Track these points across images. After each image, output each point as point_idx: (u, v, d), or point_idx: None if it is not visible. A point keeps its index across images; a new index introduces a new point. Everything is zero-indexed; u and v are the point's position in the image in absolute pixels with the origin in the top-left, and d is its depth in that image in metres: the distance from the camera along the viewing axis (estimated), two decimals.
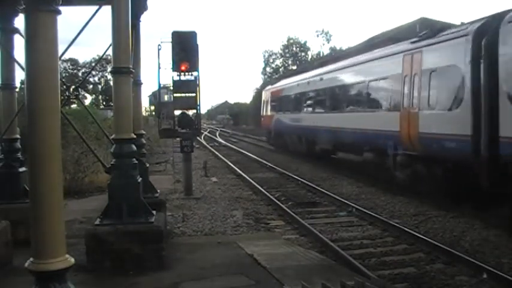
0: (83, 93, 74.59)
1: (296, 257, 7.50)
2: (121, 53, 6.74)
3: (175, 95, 13.60)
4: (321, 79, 21.07)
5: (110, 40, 6.79)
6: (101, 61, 62.32)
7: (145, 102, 51.48)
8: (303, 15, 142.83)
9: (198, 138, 30.46)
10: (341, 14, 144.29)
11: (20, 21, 8.05)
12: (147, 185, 8.41)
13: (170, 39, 12.81)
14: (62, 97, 7.00)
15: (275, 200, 12.85)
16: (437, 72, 11.65)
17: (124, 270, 6.39)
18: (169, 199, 12.60)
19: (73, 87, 8.22)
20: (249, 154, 26.32)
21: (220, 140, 41.28)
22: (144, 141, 10.14)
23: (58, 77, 3.64)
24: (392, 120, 13.47)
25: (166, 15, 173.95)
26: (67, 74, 71.30)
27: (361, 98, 16.49)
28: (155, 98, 30.78)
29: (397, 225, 9.83)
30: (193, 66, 13.04)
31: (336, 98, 19.36)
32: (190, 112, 14.14)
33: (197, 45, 12.96)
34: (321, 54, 68.24)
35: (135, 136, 7.14)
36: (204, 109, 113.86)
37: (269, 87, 35.16)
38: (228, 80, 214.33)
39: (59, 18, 3.53)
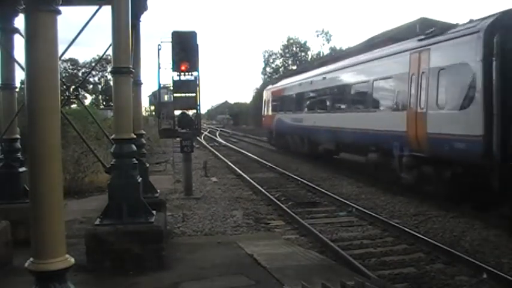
0: (83, 93, 74.61)
1: (296, 257, 7.50)
2: (121, 53, 6.74)
3: (175, 95, 13.60)
4: (324, 78, 20.73)
5: (110, 40, 6.79)
6: (101, 61, 62.33)
7: (145, 102, 51.56)
8: (303, 15, 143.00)
9: (198, 138, 30.46)
10: (341, 14, 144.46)
11: (20, 21, 8.07)
12: (147, 185, 8.41)
13: (170, 39, 12.81)
14: (62, 97, 7.00)
15: (275, 200, 12.85)
16: (447, 71, 11.30)
17: (124, 270, 6.39)
18: (169, 199, 12.60)
19: (73, 87, 8.22)
20: (249, 154, 26.32)
21: (220, 140, 41.27)
22: (144, 141, 10.14)
23: (58, 77, 3.64)
24: (398, 120, 13.16)
25: (166, 15, 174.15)
26: (67, 74, 71.31)
27: (365, 97, 16.17)
28: (155, 98, 30.78)
29: (397, 225, 9.83)
30: (193, 66, 13.04)
31: (339, 97, 19.04)
32: (190, 112, 14.14)
33: (197, 45, 12.96)
34: (321, 54, 68.25)
35: (135, 136, 7.14)
36: (204, 109, 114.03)
37: (270, 86, 34.76)
38: (228, 80, 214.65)
39: (59, 18, 3.53)
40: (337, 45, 71.26)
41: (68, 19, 6.35)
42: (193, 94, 13.37)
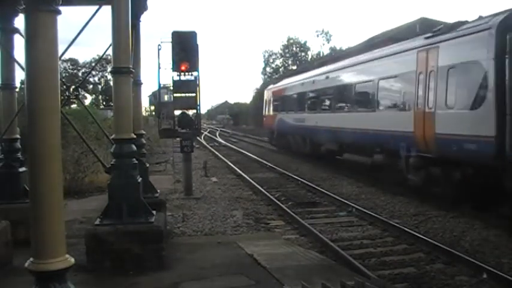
0: (83, 93, 74.59)
1: (296, 257, 7.50)
2: (121, 53, 6.74)
3: (175, 95, 13.60)
4: (327, 78, 20.36)
5: (110, 40, 6.79)
6: (101, 61, 62.34)
7: (145, 102, 51.49)
8: (303, 15, 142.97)
9: (198, 138, 30.44)
10: (341, 14, 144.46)
11: (20, 21, 8.07)
12: (147, 185, 8.41)
13: (170, 39, 12.81)
14: (62, 97, 7.00)
15: (275, 200, 12.85)
16: (456, 69, 10.92)
17: (124, 270, 6.39)
18: (169, 199, 12.60)
19: (73, 87, 8.22)
20: (249, 154, 26.32)
21: (220, 140, 41.28)
22: (144, 141, 10.14)
23: (58, 77, 3.64)
24: (405, 120, 12.83)
25: (166, 15, 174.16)
26: (67, 74, 71.29)
27: (370, 97, 15.79)
28: (155, 98, 30.75)
29: (397, 225, 9.83)
30: (193, 66, 13.04)
31: (342, 97, 18.62)
32: (190, 112, 14.14)
33: (197, 45, 12.96)
34: (321, 54, 68.25)
35: (135, 136, 7.14)
36: (204, 109, 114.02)
37: (271, 86, 34.39)
38: (228, 80, 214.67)
39: (59, 18, 3.53)
40: (337, 45, 71.41)
41: (68, 19, 6.35)
42: (193, 94, 13.37)
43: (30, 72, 3.48)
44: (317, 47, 74.07)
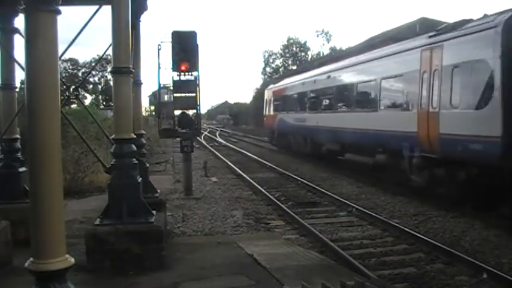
0: (83, 93, 74.59)
1: (296, 257, 7.50)
2: (121, 53, 6.74)
3: (175, 95, 13.60)
4: (328, 77, 20.16)
5: (110, 40, 6.79)
6: (101, 61, 62.30)
7: (145, 102, 51.51)
8: (303, 15, 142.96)
9: (198, 138, 30.43)
10: (341, 14, 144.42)
11: (20, 21, 8.06)
12: (147, 185, 8.41)
13: (170, 39, 12.81)
14: (62, 97, 7.00)
15: (275, 200, 12.86)
16: (461, 68, 10.71)
17: (124, 270, 6.39)
18: (169, 199, 12.60)
19: (73, 87, 8.21)
20: (249, 154, 26.32)
21: (220, 140, 41.28)
22: (144, 141, 10.14)
23: (58, 77, 3.64)
24: (408, 120, 12.63)
25: (166, 15, 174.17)
26: (67, 74, 71.29)
27: (372, 96, 15.62)
28: (155, 98, 30.74)
29: (397, 225, 9.83)
30: (193, 66, 13.04)
31: (344, 96, 18.47)
32: (190, 112, 14.14)
33: (197, 45, 12.96)
34: (321, 54, 68.26)
35: (135, 136, 7.14)
36: (204, 109, 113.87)
37: (272, 86, 34.16)
38: (228, 80, 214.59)
39: (59, 18, 3.53)
40: (337, 45, 71.37)
41: (68, 19, 6.36)
42: (193, 94, 13.37)
43: (30, 72, 3.48)
44: (317, 47, 74.19)
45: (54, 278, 3.45)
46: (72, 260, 3.56)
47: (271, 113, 30.53)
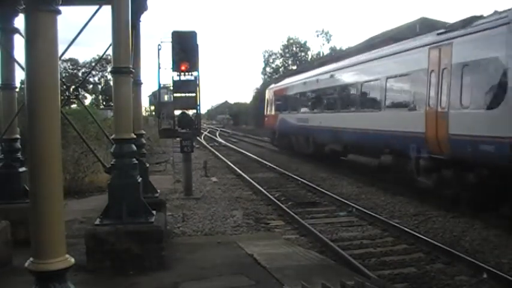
0: (83, 93, 74.58)
1: (296, 257, 7.50)
2: (121, 53, 6.73)
3: (175, 95, 13.60)
4: (332, 76, 19.82)
5: (110, 40, 6.79)
6: (101, 61, 62.28)
7: (145, 102, 51.56)
8: (303, 15, 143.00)
9: (198, 138, 30.42)
10: (341, 14, 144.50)
11: (20, 21, 8.06)
12: (147, 185, 8.41)
13: (170, 39, 12.81)
14: (62, 97, 7.00)
15: (275, 200, 12.85)
16: (472, 67, 10.36)
17: (124, 270, 6.39)
18: (169, 199, 12.60)
19: (73, 87, 8.21)
20: (249, 154, 26.32)
21: (220, 140, 41.29)
22: (144, 141, 10.14)
23: (58, 77, 3.64)
24: (415, 120, 12.30)
25: (166, 15, 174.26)
26: (67, 74, 71.28)
27: (378, 96, 15.19)
28: (155, 98, 30.73)
29: (397, 225, 9.83)
30: (193, 66, 13.04)
31: (348, 96, 18.09)
32: (190, 112, 14.14)
33: (197, 45, 12.96)
34: (321, 54, 68.27)
35: (135, 136, 7.14)
36: (204, 109, 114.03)
37: (273, 85, 33.69)
38: (228, 80, 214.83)
39: (59, 18, 3.53)
40: (337, 45, 71.39)
41: (68, 19, 6.36)
42: (193, 94, 13.37)
43: (30, 72, 3.48)
44: (317, 47, 74.17)
45: (54, 278, 3.45)
46: (72, 260, 3.56)
47: (273, 113, 30.18)
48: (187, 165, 14.06)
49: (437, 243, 8.45)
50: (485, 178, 10.17)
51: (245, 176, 17.48)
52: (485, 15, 11.03)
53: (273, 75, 68.19)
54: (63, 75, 58.10)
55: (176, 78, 13.20)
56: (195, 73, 13.20)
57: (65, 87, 7.98)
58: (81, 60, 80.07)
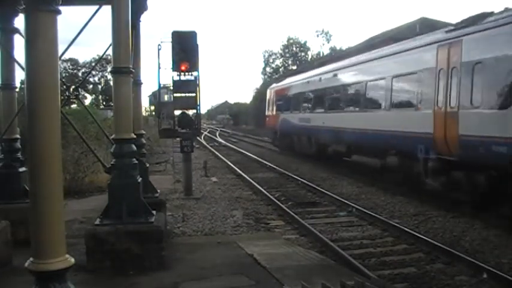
0: (83, 93, 74.58)
1: (296, 257, 7.50)
2: (121, 53, 6.73)
3: (175, 95, 13.60)
4: (335, 75, 19.42)
5: (110, 40, 6.79)
6: (101, 61, 62.28)
7: (145, 102, 51.56)
8: (303, 15, 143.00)
9: (198, 138, 30.40)
10: (341, 14, 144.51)
11: (20, 21, 8.06)
12: (147, 185, 8.41)
13: (170, 39, 12.81)
14: (62, 97, 7.00)
15: (275, 200, 12.85)
16: (483, 65, 9.99)
17: (124, 270, 6.39)
18: (169, 199, 12.60)
19: (73, 87, 8.21)
20: (249, 154, 26.32)
21: (220, 140, 41.29)
22: (144, 141, 10.14)
23: (58, 77, 3.64)
24: (423, 120, 11.97)
25: (166, 15, 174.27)
26: (67, 74, 71.27)
27: (383, 95, 14.80)
28: (155, 98, 30.72)
29: (397, 225, 9.83)
30: (193, 66, 13.04)
31: (353, 95, 17.68)
32: (190, 112, 14.14)
33: (197, 45, 12.96)
34: (321, 54, 68.27)
35: (135, 136, 7.14)
36: (204, 109, 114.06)
37: (274, 85, 33.03)
38: (228, 80, 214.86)
39: (59, 18, 3.53)
40: (337, 45, 71.40)
41: (68, 19, 6.36)
42: (193, 94, 13.37)
43: (30, 72, 3.48)
44: (317, 47, 74.16)
45: (54, 278, 3.45)
46: (72, 260, 3.56)
47: (274, 112, 29.74)
48: (187, 165, 14.06)
49: (437, 243, 8.45)
50: (497, 180, 9.90)
51: (245, 176, 17.48)
52: (507, 8, 10.65)
53: (273, 75, 68.20)
54: (63, 75, 58.10)
55: (176, 78, 13.20)
56: (195, 73, 13.21)
57: (65, 87, 7.98)
58: (81, 60, 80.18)
